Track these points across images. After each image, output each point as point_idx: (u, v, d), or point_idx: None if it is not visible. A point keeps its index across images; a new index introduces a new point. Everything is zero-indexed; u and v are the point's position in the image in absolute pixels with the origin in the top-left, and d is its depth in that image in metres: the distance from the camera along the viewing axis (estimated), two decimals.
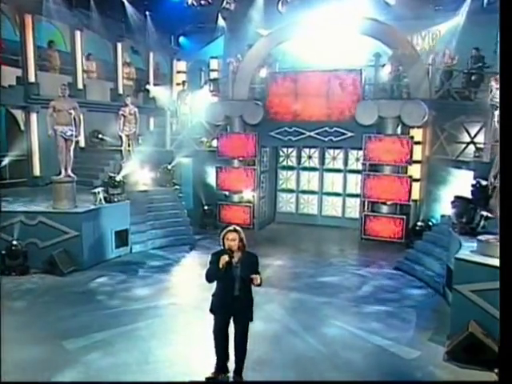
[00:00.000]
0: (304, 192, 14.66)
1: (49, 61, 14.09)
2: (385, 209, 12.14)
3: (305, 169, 14.61)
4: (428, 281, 9.11)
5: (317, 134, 12.56)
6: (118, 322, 7.05)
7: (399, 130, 11.90)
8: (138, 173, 13.04)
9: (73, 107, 9.63)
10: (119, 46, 16.41)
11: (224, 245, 4.93)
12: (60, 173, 9.81)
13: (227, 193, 13.67)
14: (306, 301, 8.21)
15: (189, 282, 9.13)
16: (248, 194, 13.38)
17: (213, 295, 5.11)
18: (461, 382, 4.93)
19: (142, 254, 10.95)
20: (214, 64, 18.41)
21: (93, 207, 10.08)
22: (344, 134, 12.30)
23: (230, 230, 4.95)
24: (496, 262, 6.29)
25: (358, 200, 13.81)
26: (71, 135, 9.67)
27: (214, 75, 16.89)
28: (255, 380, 5.49)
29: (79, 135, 9.87)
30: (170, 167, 13.20)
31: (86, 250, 9.72)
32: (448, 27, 14.87)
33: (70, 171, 9.91)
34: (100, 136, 14.93)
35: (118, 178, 10.81)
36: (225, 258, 4.77)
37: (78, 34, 14.51)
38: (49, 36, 14.22)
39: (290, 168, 14.72)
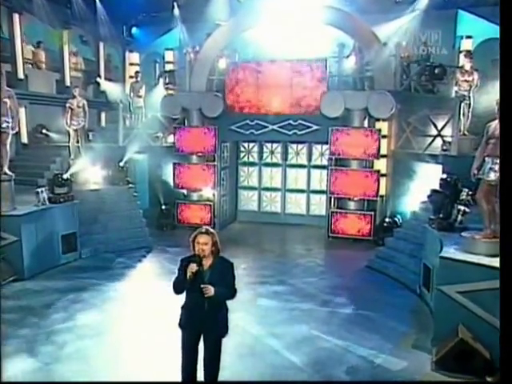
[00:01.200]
0: (266, 189, 13.93)
1: None
2: (352, 205, 11.60)
3: (267, 165, 13.87)
4: (402, 280, 8.60)
5: (280, 127, 11.84)
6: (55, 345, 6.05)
7: (366, 123, 11.36)
8: (88, 171, 11.88)
9: (8, 96, 8.41)
10: (65, 33, 15.05)
11: (194, 249, 4.19)
12: None
13: (185, 191, 12.73)
14: (275, 307, 7.47)
15: (145, 291, 8.17)
16: (208, 192, 12.50)
17: (182, 307, 4.38)
18: (461, 383, 4.75)
19: (93, 259, 9.88)
20: (169, 56, 17.29)
21: (35, 209, 8.91)
22: (309, 127, 11.65)
23: (201, 233, 4.22)
24: (485, 260, 5.82)
25: (322, 197, 13.23)
26: (7, 127, 8.44)
27: (169, 67, 15.81)
28: None
29: (16, 127, 8.64)
30: (122, 164, 12.09)
31: (27, 258, 8.55)
32: (407, 20, 14.60)
33: (6, 168, 8.67)
34: (44, 131, 13.57)
35: (65, 175, 9.67)
36: (192, 268, 4.04)
37: (16, 17, 13.09)
38: None
39: (252, 164, 13.94)
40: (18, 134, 13.39)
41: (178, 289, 4.22)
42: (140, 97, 13.75)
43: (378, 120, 11.59)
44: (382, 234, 11.25)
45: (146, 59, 18.46)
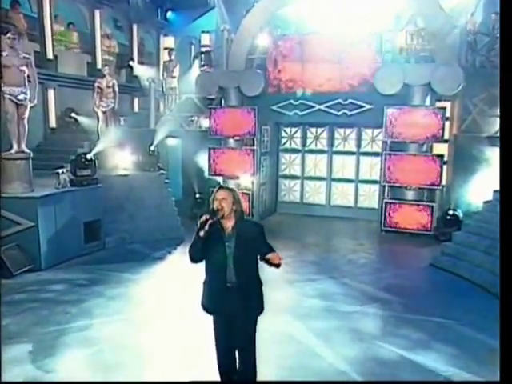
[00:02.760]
0: (310, 178, 12.64)
1: (12, 24, 11.93)
2: (409, 195, 10.18)
3: (311, 151, 12.58)
4: (479, 281, 7.16)
5: (328, 107, 10.56)
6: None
7: (428, 101, 9.91)
8: (117, 155, 11.03)
9: (25, 63, 7.53)
10: (97, 13, 14.26)
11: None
12: (11, 147, 7.70)
13: (221, 178, 11.63)
14: (325, 310, 6.23)
15: (173, 288, 7.09)
16: (246, 180, 11.35)
17: (203, 283, 3.65)
18: (461, 383, 4.22)
19: (118, 250, 8.93)
20: (205, 39, 16.27)
21: (55, 191, 8.02)
22: (361, 106, 10.31)
23: (220, 188, 3.60)
24: None
25: (373, 187, 11.90)
26: (24, 99, 7.56)
27: (205, 48, 14.79)
28: None
29: (35, 99, 7.75)
30: (153, 148, 11.15)
31: (44, 246, 7.65)
32: None
33: (24, 145, 7.82)
34: (73, 115, 12.79)
35: (89, 156, 8.76)
36: (203, 218, 3.34)
37: None
38: None
39: (294, 151, 12.69)
40: (46, 118, 12.84)
41: (192, 253, 3.48)
42: (174, 77, 12.80)
43: (438, 100, 10.15)
44: (443, 228, 9.83)
45: (181, 43, 17.56)
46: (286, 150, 12.78)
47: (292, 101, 10.79)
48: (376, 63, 10.08)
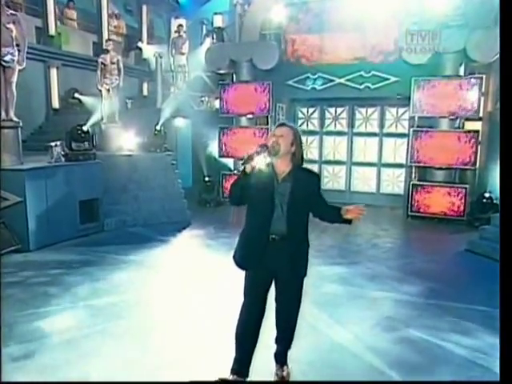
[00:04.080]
0: (329, 162, 11.70)
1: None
2: (439, 176, 9.19)
3: (329, 133, 11.63)
4: None
5: (349, 80, 9.65)
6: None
7: (462, 71, 8.90)
8: (121, 136, 10.27)
9: (12, 21, 6.76)
10: None
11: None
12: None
13: (232, 161, 10.78)
14: (348, 295, 5.32)
15: (171, 273, 6.26)
16: (260, 162, 10.43)
17: (241, 233, 3.21)
18: (461, 382, 3.71)
19: (117, 232, 8.11)
20: (218, 20, 15.31)
21: (46, 165, 7.25)
22: (385, 78, 9.38)
23: (280, 124, 3.17)
24: None
25: (397, 171, 10.92)
26: (11, 61, 6.79)
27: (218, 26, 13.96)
28: None
29: (23, 61, 6.99)
30: (159, 128, 10.34)
31: (32, 224, 6.86)
32: None
33: (12, 113, 7.05)
34: (77, 95, 12.09)
35: (86, 127, 7.98)
36: (254, 150, 2.91)
37: None
38: None
39: (312, 133, 11.76)
40: (48, 98, 12.17)
41: (232, 190, 3.05)
42: (183, 54, 11.94)
43: (471, 73, 9.14)
44: (478, 213, 8.81)
45: (192, 25, 16.78)
46: (303, 132, 11.50)
47: (309, 74, 9.91)
48: (402, 28, 9.07)
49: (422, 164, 9.22)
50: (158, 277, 5.92)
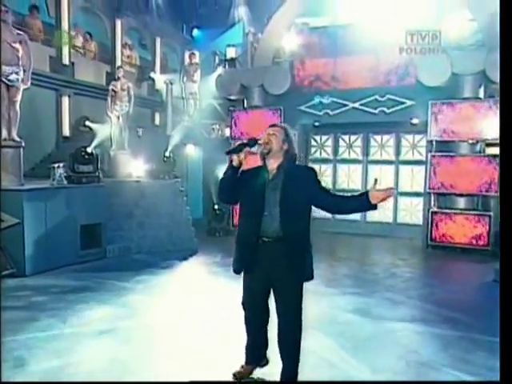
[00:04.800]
0: (342, 191, 11.20)
1: (29, 28, 11.36)
2: (461, 203, 8.67)
3: (344, 161, 11.25)
4: None
5: (363, 104, 9.32)
6: None
7: (481, 93, 8.53)
8: (130, 163, 10.07)
9: (19, 40, 6.64)
10: (118, 23, 13.70)
11: None
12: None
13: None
14: (365, 326, 4.77)
15: (170, 301, 5.80)
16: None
17: (236, 236, 3.09)
18: (461, 382, 3.51)
19: (121, 260, 7.70)
20: (231, 52, 15.42)
21: (46, 186, 6.96)
22: (401, 102, 9.03)
23: (271, 125, 3.17)
24: None
25: (414, 200, 10.42)
26: (16, 80, 6.63)
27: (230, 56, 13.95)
28: None
29: (28, 81, 6.83)
30: (168, 154, 10.10)
31: (29, 248, 6.49)
32: None
33: (14, 133, 6.83)
34: (88, 123, 11.98)
35: (90, 149, 7.74)
36: (241, 142, 2.97)
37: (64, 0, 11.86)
38: (31, 1, 11.55)
39: (325, 161, 11.39)
40: (59, 126, 12.08)
41: (220, 185, 3.01)
42: (194, 81, 11.87)
43: (491, 97, 8.76)
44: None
45: (206, 59, 16.92)
46: (316, 160, 11.48)
47: (322, 99, 9.61)
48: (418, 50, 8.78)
49: (441, 191, 8.73)
50: (157, 303, 5.45)
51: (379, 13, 9.36)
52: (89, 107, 12.44)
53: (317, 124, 10.34)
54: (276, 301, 2.96)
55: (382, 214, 10.89)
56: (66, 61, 11.93)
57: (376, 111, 9.23)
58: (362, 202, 2.77)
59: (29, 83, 6.86)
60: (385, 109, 9.15)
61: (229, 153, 2.87)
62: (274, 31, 10.59)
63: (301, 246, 2.91)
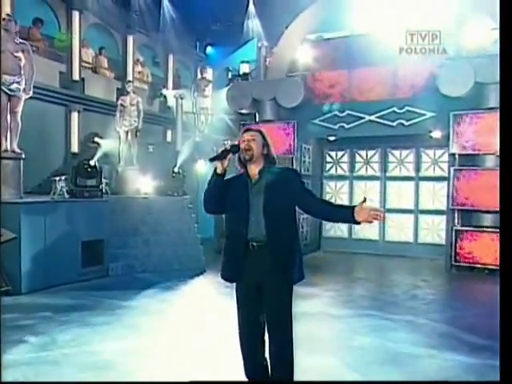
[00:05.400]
0: None
1: (32, 40, 11.40)
2: (487, 220, 8.22)
3: (360, 178, 10.92)
4: None
5: (380, 117, 9.03)
6: None
7: None
8: (138, 179, 9.93)
9: (21, 49, 6.57)
10: (130, 39, 13.77)
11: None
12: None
13: None
14: (381, 349, 4.37)
15: (172, 322, 5.48)
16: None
17: (224, 245, 2.98)
18: (461, 383, 3.53)
19: (123, 278, 7.44)
20: (244, 68, 15.47)
21: (46, 200, 6.78)
22: (420, 114, 8.71)
23: (247, 129, 3.01)
24: None
25: (436, 218, 10.00)
26: (17, 89, 6.53)
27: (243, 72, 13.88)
28: None
29: (30, 90, 6.72)
30: (177, 170, 9.93)
31: (26, 264, 6.28)
32: None
33: (15, 145, 6.71)
34: (97, 139, 11.91)
35: (93, 162, 7.57)
36: (224, 148, 2.85)
37: (76, 15, 11.94)
38: (37, 15, 11.64)
39: (341, 177, 11.07)
40: (68, 142, 12.04)
41: (205, 195, 2.93)
42: (206, 97, 11.77)
43: None
44: None
45: (219, 76, 16.92)
46: (331, 177, 11.18)
47: (337, 112, 9.35)
48: (437, 60, 8.49)
49: (465, 207, 8.30)
50: (157, 325, 5.13)
51: (396, 22, 9.14)
52: (98, 123, 12.38)
53: (332, 138, 10.10)
54: (266, 311, 2.86)
55: (401, 233, 10.48)
56: (76, 76, 11.94)
57: (394, 124, 8.91)
58: (347, 216, 2.70)
59: (30, 93, 6.77)
60: (403, 121, 8.84)
61: (213, 160, 2.79)
62: (288, 44, 10.45)
63: (288, 249, 2.84)
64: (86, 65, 12.75)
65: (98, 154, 8.32)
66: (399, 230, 10.49)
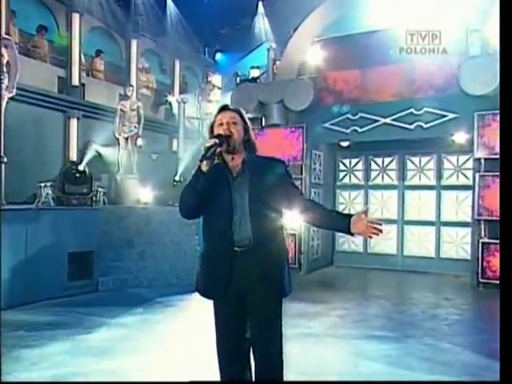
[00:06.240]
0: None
1: (37, 47, 11.30)
2: None
3: (376, 187, 10.38)
4: None
5: (396, 119, 8.55)
6: None
7: None
8: (137, 188, 9.63)
9: (5, 45, 6.29)
10: (134, 43, 13.58)
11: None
12: None
13: None
14: (393, 377, 3.85)
15: (161, 345, 5.03)
16: (290, 218, 9.26)
17: (200, 255, 2.62)
18: (461, 383, 3.49)
19: (113, 294, 7.04)
20: (255, 73, 15.22)
21: (28, 207, 6.45)
22: (441, 115, 8.20)
23: (223, 108, 2.63)
24: None
25: (460, 231, 9.40)
26: None
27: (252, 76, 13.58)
28: None
29: (13, 88, 6.46)
30: (178, 178, 9.59)
31: (4, 277, 5.89)
32: None
33: None
34: (96, 147, 11.66)
35: (82, 167, 7.26)
36: (211, 143, 2.42)
37: (76, 17, 11.80)
38: (38, 20, 11.54)
39: (355, 187, 10.55)
40: (66, 150, 11.82)
41: (183, 197, 2.50)
42: (210, 102, 11.45)
43: None
44: None
45: (229, 83, 16.68)
46: (345, 187, 10.67)
47: (349, 115, 8.90)
48: (459, 56, 8.02)
49: (493, 218, 7.71)
50: (140, 345, 4.69)
51: (415, 18, 8.71)
52: (98, 130, 12.16)
53: (345, 144, 9.67)
54: (252, 326, 2.52)
55: (422, 247, 9.89)
56: (75, 82, 11.77)
57: (412, 126, 8.42)
58: (341, 224, 2.40)
59: (14, 91, 6.50)
60: (422, 123, 8.33)
61: (203, 160, 2.39)
62: (297, 46, 10.09)
63: (277, 254, 2.53)
64: (87, 69, 12.63)
65: (87, 158, 7.99)
66: (419, 243, 9.90)
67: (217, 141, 2.42)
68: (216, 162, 2.45)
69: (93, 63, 12.74)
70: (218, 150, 2.42)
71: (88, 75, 12.54)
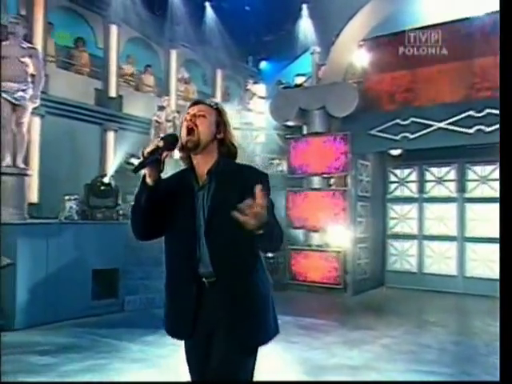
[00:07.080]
0: (432, 238, 9.60)
1: (75, 60, 11.52)
2: None
3: (432, 200, 9.69)
4: None
5: (453, 123, 7.91)
6: None
7: None
8: None
9: (29, 54, 6.30)
10: (173, 54, 13.62)
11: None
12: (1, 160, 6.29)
13: (302, 232, 9.24)
14: None
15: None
16: (334, 233, 8.78)
17: (165, 285, 2.26)
18: (461, 383, 3.61)
19: (140, 314, 6.80)
20: (300, 81, 14.95)
21: (50, 221, 6.35)
22: None
23: (194, 103, 2.14)
24: None
25: None
26: (22, 98, 6.23)
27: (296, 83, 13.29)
28: None
29: (37, 98, 6.41)
30: None
31: (22, 295, 5.81)
32: None
33: (20, 160, 6.39)
34: (132, 160, 11.66)
35: (107, 179, 7.12)
36: (154, 144, 1.92)
37: (113, 28, 11.94)
38: (77, 32, 11.78)
39: (408, 200, 9.89)
40: (102, 163, 11.89)
41: (136, 215, 2.05)
42: (250, 110, 11.19)
43: None
44: None
45: (273, 92, 16.45)
46: (397, 199, 10.04)
47: (399, 120, 8.35)
48: None
49: None
50: (158, 377, 4.35)
51: (473, 8, 8.12)
52: (135, 143, 12.18)
53: (395, 153, 9.11)
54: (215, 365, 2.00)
55: (486, 267, 9.07)
56: (112, 93, 11.87)
57: (471, 131, 7.75)
58: None
59: (37, 101, 6.46)
60: (483, 127, 7.66)
61: (138, 169, 1.93)
62: (344, 47, 9.70)
63: (246, 292, 2.01)
64: (129, 81, 12.78)
65: (111, 170, 7.86)
66: (484, 263, 9.08)
67: (160, 144, 1.93)
68: (185, 166, 2.05)
69: (141, 78, 12.89)
70: (165, 154, 1.92)
71: (137, 90, 12.69)
